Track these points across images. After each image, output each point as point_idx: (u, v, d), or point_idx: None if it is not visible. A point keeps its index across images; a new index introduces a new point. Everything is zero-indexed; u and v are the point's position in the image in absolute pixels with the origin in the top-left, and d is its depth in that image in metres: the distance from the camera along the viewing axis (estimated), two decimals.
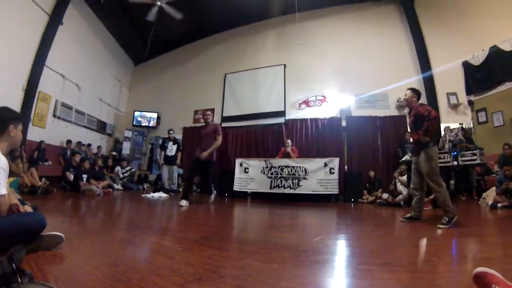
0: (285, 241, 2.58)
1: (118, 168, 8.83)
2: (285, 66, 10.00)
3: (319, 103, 9.36)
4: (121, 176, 8.86)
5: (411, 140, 3.78)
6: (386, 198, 6.22)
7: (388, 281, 1.54)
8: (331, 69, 9.40)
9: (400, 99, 7.98)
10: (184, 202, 4.97)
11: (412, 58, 8.67)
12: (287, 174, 7.14)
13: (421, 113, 3.58)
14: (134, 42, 11.75)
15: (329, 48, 9.71)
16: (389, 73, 8.59)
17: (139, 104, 12.11)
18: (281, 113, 9.61)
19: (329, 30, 9.93)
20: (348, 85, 9.01)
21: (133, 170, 9.55)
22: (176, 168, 7.84)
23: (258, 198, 7.27)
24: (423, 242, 2.69)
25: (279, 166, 7.27)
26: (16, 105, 7.14)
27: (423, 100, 7.93)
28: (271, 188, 7.22)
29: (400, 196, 5.92)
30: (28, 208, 1.94)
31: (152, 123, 11.63)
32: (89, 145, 9.59)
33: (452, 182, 6.62)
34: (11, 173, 5.23)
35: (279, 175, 7.21)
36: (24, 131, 7.12)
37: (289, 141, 7.85)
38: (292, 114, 9.56)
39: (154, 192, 7.14)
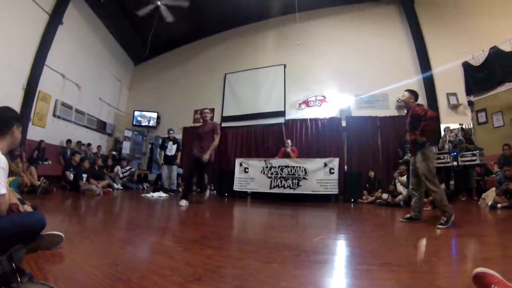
0: (285, 241, 2.58)
1: (118, 168, 8.83)
2: (285, 66, 10.00)
3: (319, 103, 9.36)
4: (121, 175, 8.85)
5: (408, 140, 3.78)
6: (386, 198, 6.22)
7: (388, 281, 1.54)
8: (331, 69, 9.41)
9: (399, 99, 7.98)
10: (183, 202, 4.96)
11: (412, 58, 8.67)
12: (287, 174, 7.14)
13: (418, 113, 3.60)
14: (134, 42, 11.75)
15: (329, 48, 9.71)
16: (389, 73, 8.59)
17: (139, 103, 12.11)
18: (281, 113, 9.61)
19: (329, 30, 9.93)
20: (348, 85, 9.01)
21: (133, 169, 9.55)
22: (176, 168, 7.84)
23: (258, 198, 7.27)
24: (423, 242, 2.69)
25: (279, 166, 7.27)
26: (16, 104, 7.14)
27: (423, 100, 7.99)
28: (271, 188, 7.21)
29: (400, 197, 5.92)
30: (27, 208, 1.94)
31: (152, 123, 11.63)
32: (89, 144, 9.59)
33: (452, 182, 6.62)
34: (11, 173, 5.22)
35: (279, 175, 7.21)
36: (24, 131, 7.17)
37: (289, 141, 7.85)
38: (292, 114, 9.56)
39: (154, 191, 7.14)
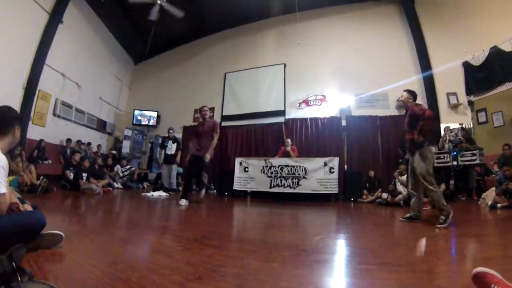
0: (285, 240, 2.59)
1: (117, 167, 8.83)
2: (285, 65, 9.99)
3: (319, 102, 9.36)
4: (121, 175, 8.86)
5: (407, 139, 3.80)
6: (386, 198, 6.23)
7: (387, 280, 1.54)
8: (331, 68, 9.40)
9: (399, 99, 7.99)
10: (183, 202, 4.95)
11: (412, 58, 8.67)
12: (287, 174, 7.14)
13: (416, 113, 3.63)
14: (134, 41, 11.74)
15: (329, 48, 9.70)
16: (389, 72, 8.59)
17: (139, 103, 12.11)
18: (281, 113, 9.61)
19: (329, 29, 9.93)
20: (348, 84, 9.01)
21: (133, 169, 9.56)
22: (176, 167, 7.84)
23: (257, 197, 7.27)
24: (423, 242, 2.69)
25: (279, 165, 7.27)
26: (16, 103, 7.13)
27: (423, 100, 7.99)
28: (271, 187, 7.22)
29: (400, 196, 5.92)
30: (27, 207, 1.94)
31: (152, 122, 11.63)
32: (89, 143, 9.58)
33: (451, 182, 6.61)
34: (11, 172, 5.23)
35: (279, 174, 7.21)
36: (24, 130, 7.17)
37: (289, 140, 7.85)
38: (292, 113, 9.56)
39: (154, 191, 7.15)
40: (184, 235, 2.73)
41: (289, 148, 7.58)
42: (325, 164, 6.98)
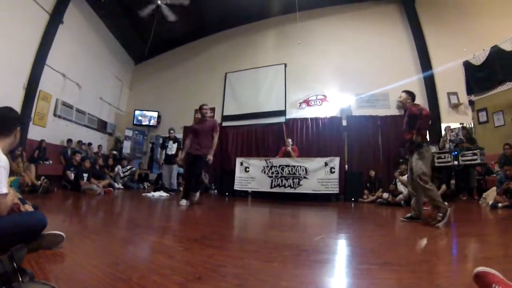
0: (286, 240, 2.59)
1: (118, 167, 8.84)
2: (285, 65, 10.00)
3: (319, 102, 9.36)
4: (122, 175, 8.86)
5: (406, 139, 3.84)
6: (387, 198, 6.22)
7: (388, 280, 1.54)
8: (332, 68, 9.40)
9: (398, 99, 7.99)
10: (184, 202, 4.94)
11: (413, 57, 8.66)
12: (288, 174, 7.14)
13: (414, 113, 3.70)
14: (134, 41, 11.75)
15: (329, 48, 9.70)
16: (389, 72, 8.58)
17: (140, 103, 12.12)
18: (282, 112, 9.61)
19: (329, 29, 9.93)
20: (348, 84, 9.01)
21: (134, 169, 9.56)
22: (176, 167, 7.84)
23: (258, 197, 7.27)
24: (423, 241, 2.69)
25: (279, 166, 7.27)
26: (16, 104, 7.14)
27: (424, 99, 7.99)
28: (271, 187, 7.22)
29: (401, 196, 5.92)
30: (28, 207, 1.94)
31: (152, 122, 11.64)
32: (89, 144, 9.59)
33: (452, 182, 6.60)
34: (12, 173, 5.23)
35: (279, 175, 7.21)
36: (25, 130, 7.18)
37: (289, 140, 7.85)
38: (293, 113, 9.56)
39: (154, 191, 7.16)
40: (185, 235, 2.73)
41: (289, 148, 7.58)
42: (326, 164, 6.98)
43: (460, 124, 7.48)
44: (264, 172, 7.38)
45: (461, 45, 7.94)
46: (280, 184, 7.15)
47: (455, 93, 8.04)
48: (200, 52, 11.88)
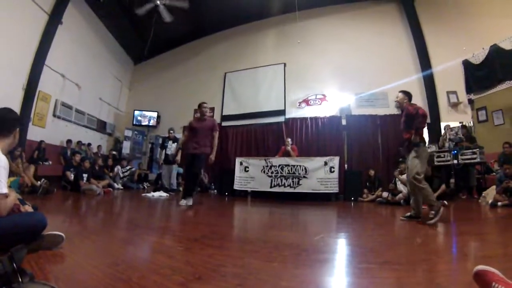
0: (286, 240, 2.59)
1: (118, 168, 8.83)
2: (285, 64, 10.00)
3: (319, 101, 9.36)
4: (121, 175, 8.85)
5: (404, 139, 3.86)
6: (386, 197, 6.23)
7: (388, 279, 1.54)
8: (331, 67, 9.40)
9: (395, 100, 8.00)
10: (184, 202, 4.92)
11: (412, 56, 8.67)
12: (287, 173, 7.14)
13: (411, 112, 3.73)
14: (134, 41, 11.74)
15: (329, 47, 9.70)
16: (389, 71, 8.58)
17: (139, 103, 12.11)
18: (281, 112, 9.61)
19: (329, 28, 9.92)
20: (348, 83, 9.01)
21: (133, 169, 9.55)
22: (176, 167, 7.83)
23: (258, 197, 7.27)
24: (423, 240, 2.69)
25: (279, 165, 7.27)
26: (16, 104, 7.14)
27: (423, 98, 8.00)
28: (271, 187, 7.22)
29: (400, 195, 5.92)
30: (28, 208, 1.94)
31: (152, 122, 11.64)
32: (89, 144, 9.59)
33: (452, 180, 6.61)
34: (11, 173, 5.23)
35: (279, 174, 7.21)
36: (24, 131, 7.17)
37: (289, 139, 7.84)
38: (292, 112, 9.56)
39: (154, 191, 7.15)
40: (185, 235, 2.73)
41: (289, 148, 7.58)
42: (326, 163, 6.98)
43: (460, 123, 7.48)
44: (264, 172, 7.38)
45: (461, 44, 7.95)
46: (280, 184, 7.15)
47: (455, 92, 8.05)
48: (200, 52, 11.88)
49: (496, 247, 2.40)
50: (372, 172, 7.22)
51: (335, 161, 6.97)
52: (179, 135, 9.74)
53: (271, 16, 10.57)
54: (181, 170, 8.45)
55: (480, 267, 1.25)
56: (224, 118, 10.40)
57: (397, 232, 3.25)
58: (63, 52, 8.73)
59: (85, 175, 6.73)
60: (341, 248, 2.38)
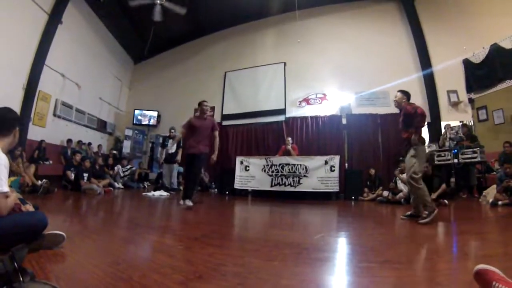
0: (286, 238, 2.59)
1: (118, 167, 8.83)
2: (285, 64, 9.99)
3: (319, 101, 9.35)
4: (122, 174, 8.86)
5: (403, 138, 3.86)
6: (387, 196, 6.22)
7: (388, 278, 1.54)
8: (331, 67, 9.39)
9: (394, 99, 8.00)
10: (184, 202, 4.85)
11: (412, 55, 8.66)
12: (288, 172, 7.14)
13: (409, 112, 3.73)
14: (133, 41, 11.74)
15: (329, 46, 9.69)
16: (389, 70, 8.57)
17: (139, 102, 12.12)
18: (282, 111, 9.61)
19: (329, 28, 9.91)
20: (348, 82, 9.00)
21: (134, 168, 9.56)
22: (177, 166, 7.83)
23: (258, 196, 7.27)
24: (424, 239, 2.69)
25: (279, 164, 7.27)
26: (16, 104, 7.14)
27: (423, 98, 8.00)
28: (271, 186, 7.22)
29: (401, 194, 5.91)
30: (29, 207, 1.94)
31: (152, 122, 11.65)
32: (89, 144, 9.59)
33: (452, 180, 6.61)
34: (12, 173, 5.24)
35: (279, 173, 7.21)
36: (25, 131, 7.17)
37: (289, 139, 7.84)
38: (293, 112, 9.56)
39: (154, 190, 7.15)
40: (185, 234, 2.73)
41: (289, 147, 7.58)
42: (326, 162, 6.97)
43: (460, 122, 7.47)
44: (264, 171, 7.38)
45: (461, 43, 7.94)
46: (280, 183, 7.15)
47: (455, 91, 8.04)
48: (200, 51, 11.87)
49: (497, 246, 2.40)
50: (372, 171, 7.22)
51: (335, 160, 6.96)
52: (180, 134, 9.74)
53: (270, 15, 10.56)
54: (181, 169, 8.45)
55: (481, 266, 1.25)
56: (225, 117, 10.40)
57: (398, 231, 3.25)
58: (63, 52, 8.72)
59: (85, 175, 6.73)
60: (341, 247, 2.38)
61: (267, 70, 10.21)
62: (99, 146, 10.30)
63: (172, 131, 7.80)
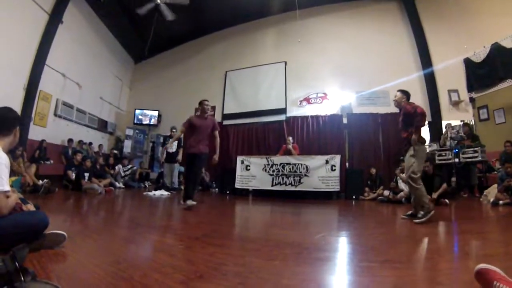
0: (287, 238, 2.59)
1: (119, 167, 8.83)
2: (285, 63, 9.99)
3: (320, 100, 9.35)
4: (123, 174, 8.86)
5: (403, 137, 3.85)
6: (387, 195, 6.21)
7: (389, 278, 1.54)
8: (332, 66, 9.39)
9: (393, 99, 7.99)
10: (185, 202, 4.80)
11: (413, 55, 8.65)
12: (289, 172, 7.13)
13: (409, 111, 3.73)
14: (134, 40, 11.74)
15: (329, 45, 9.69)
16: (389, 70, 8.56)
17: (140, 102, 12.13)
18: (282, 111, 9.61)
19: (329, 27, 9.91)
20: (349, 82, 9.00)
21: (135, 168, 9.55)
22: (178, 166, 7.83)
23: (259, 195, 7.27)
24: (424, 239, 2.69)
25: (280, 164, 7.26)
26: (17, 104, 7.15)
27: (424, 97, 7.99)
28: (272, 185, 7.21)
29: (401, 193, 5.91)
30: (30, 207, 1.95)
31: (153, 121, 11.66)
32: (90, 143, 9.60)
33: (453, 179, 6.60)
34: (13, 173, 5.25)
35: (280, 173, 7.21)
36: (26, 130, 7.18)
37: (290, 138, 7.84)
38: (293, 111, 9.56)
39: (155, 190, 7.15)
40: (186, 234, 2.74)
41: (290, 146, 7.57)
42: (327, 162, 6.97)
43: (461, 121, 7.46)
44: (265, 170, 7.37)
45: (462, 42, 7.92)
46: (281, 182, 7.14)
47: (456, 91, 8.03)
48: (200, 50, 11.87)
49: (498, 246, 2.39)
50: (373, 171, 7.21)
51: (336, 159, 6.96)
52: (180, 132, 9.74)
53: (271, 14, 10.56)
54: (182, 169, 8.45)
55: (482, 265, 1.25)
56: (225, 116, 10.40)
57: (398, 231, 3.25)
58: (64, 52, 8.73)
59: (86, 174, 6.73)
60: (342, 247, 2.38)
61: (267, 70, 10.21)
62: (100, 145, 10.30)
63: (174, 130, 7.79)
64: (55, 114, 8.65)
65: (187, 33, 11.61)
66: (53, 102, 8.54)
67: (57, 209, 4.16)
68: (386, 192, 6.33)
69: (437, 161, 6.75)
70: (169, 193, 6.84)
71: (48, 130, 8.32)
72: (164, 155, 7.62)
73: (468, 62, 7.89)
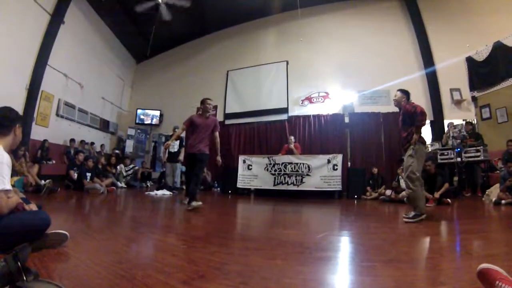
0: (289, 237, 2.58)
1: (121, 166, 8.85)
2: (287, 62, 9.98)
3: (322, 99, 9.34)
4: (125, 174, 8.88)
5: (403, 137, 3.84)
6: (389, 195, 6.20)
7: (391, 277, 1.53)
8: (334, 65, 9.38)
9: (393, 98, 7.98)
10: (187, 202, 4.76)
11: (415, 54, 8.63)
12: (291, 171, 7.13)
13: (409, 111, 3.72)
14: (136, 40, 11.76)
15: (331, 45, 9.67)
16: (391, 69, 8.54)
17: (142, 102, 12.15)
18: (284, 110, 9.61)
19: (331, 26, 9.89)
20: (350, 81, 8.98)
21: (136, 168, 9.57)
22: (179, 165, 7.83)
23: (261, 195, 7.26)
24: (427, 238, 2.68)
25: (282, 163, 7.25)
26: (19, 104, 7.18)
27: (426, 96, 7.96)
28: (274, 185, 7.20)
29: (403, 193, 5.87)
30: (33, 207, 1.95)
31: (155, 121, 11.68)
32: (92, 143, 9.64)
33: (456, 178, 6.58)
34: (15, 173, 5.27)
35: (282, 172, 7.20)
36: (28, 131, 7.21)
37: (292, 137, 7.83)
38: (295, 110, 9.55)
39: (157, 189, 7.16)
40: (188, 234, 2.74)
41: (292, 146, 7.56)
42: (329, 161, 6.96)
43: (463, 120, 7.44)
44: (267, 170, 7.37)
45: (464, 41, 7.90)
46: (283, 182, 7.14)
47: (458, 89, 8.00)
48: (202, 50, 11.89)
49: (500, 246, 2.38)
50: (375, 170, 7.20)
51: (338, 158, 6.94)
52: (183, 134, 9.74)
53: (272, 14, 10.56)
54: (184, 168, 8.45)
55: (484, 265, 1.25)
56: (227, 116, 10.41)
57: (400, 230, 3.23)
58: (66, 52, 8.76)
59: (88, 174, 6.75)
60: (344, 246, 2.38)
61: (269, 69, 10.21)
62: (102, 145, 10.34)
63: (176, 130, 7.80)
64: (57, 114, 8.68)
65: (189, 32, 11.62)
66: (55, 102, 8.57)
67: (59, 208, 4.17)
68: (388, 192, 6.31)
69: (439, 160, 6.73)
70: (171, 193, 6.85)
71: (50, 130, 8.35)
72: (166, 155, 7.62)
73: (470, 61, 7.86)
